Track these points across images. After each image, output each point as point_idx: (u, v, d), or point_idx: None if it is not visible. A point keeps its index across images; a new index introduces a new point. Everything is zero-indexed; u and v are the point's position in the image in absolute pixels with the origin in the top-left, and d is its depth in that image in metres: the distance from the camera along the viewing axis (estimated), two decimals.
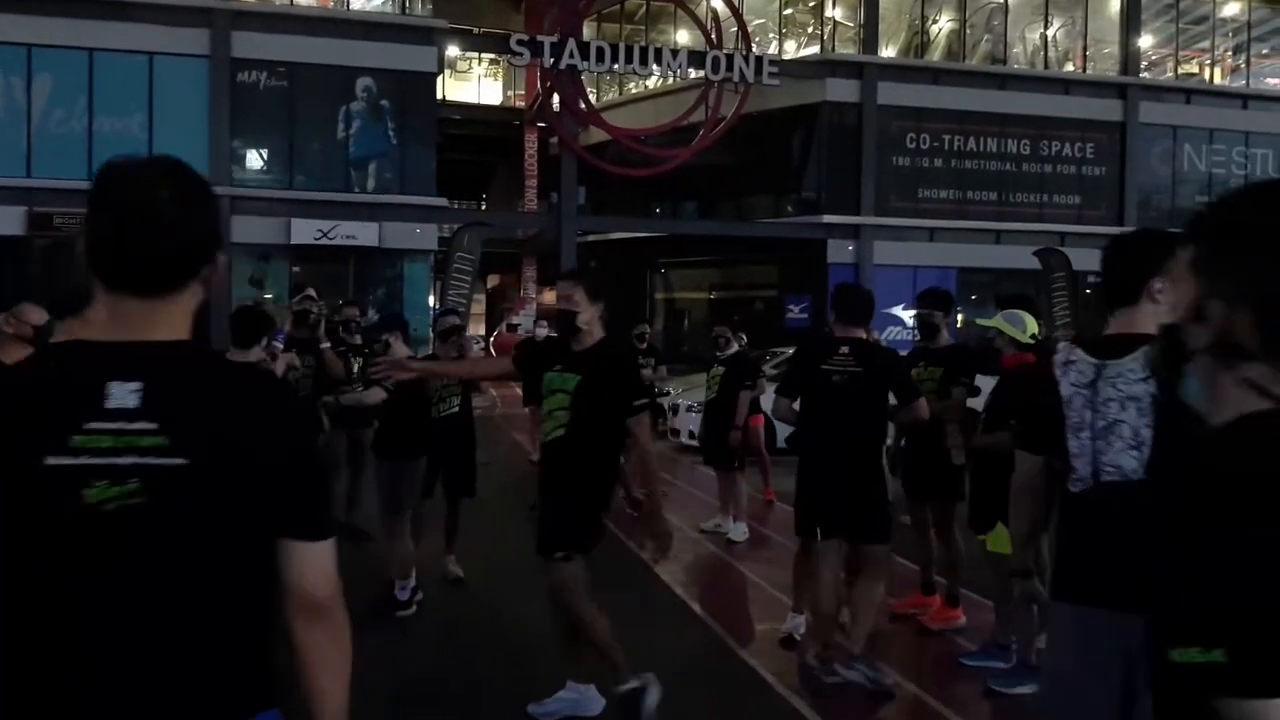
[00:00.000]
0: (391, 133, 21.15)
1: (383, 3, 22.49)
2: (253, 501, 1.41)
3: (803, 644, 5.00)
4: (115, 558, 1.35)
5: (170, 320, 1.45)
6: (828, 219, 22.89)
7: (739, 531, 7.76)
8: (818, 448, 4.63)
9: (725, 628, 5.64)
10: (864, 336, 4.71)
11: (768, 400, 9.89)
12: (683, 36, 25.79)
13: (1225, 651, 0.94)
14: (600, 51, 21.77)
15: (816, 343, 5.01)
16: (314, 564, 1.48)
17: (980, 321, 5.50)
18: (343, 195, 20.77)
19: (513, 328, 24.02)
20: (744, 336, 9.30)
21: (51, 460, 1.32)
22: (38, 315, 3.23)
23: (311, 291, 7.21)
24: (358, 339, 7.61)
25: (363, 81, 20.83)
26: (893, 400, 4.69)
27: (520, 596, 5.36)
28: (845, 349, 4.55)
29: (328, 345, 6.71)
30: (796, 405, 4.78)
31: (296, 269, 21.11)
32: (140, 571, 1.35)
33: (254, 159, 21.11)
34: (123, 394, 1.36)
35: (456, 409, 6.33)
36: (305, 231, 20.15)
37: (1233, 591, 0.95)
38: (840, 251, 22.91)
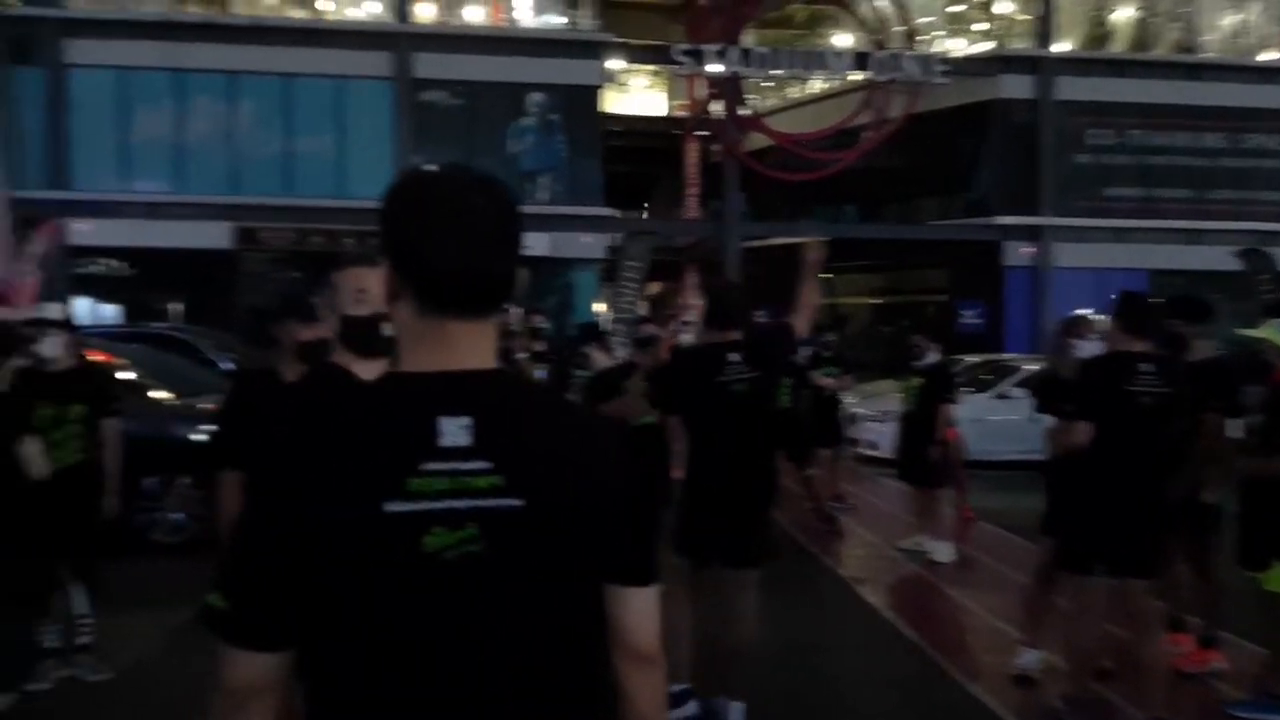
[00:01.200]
0: (561, 146, 21.73)
1: (550, 19, 23.11)
2: (587, 544, 1.29)
3: (1044, 682, 4.75)
4: (457, 608, 1.23)
5: (488, 345, 1.33)
6: (1002, 220, 22.05)
7: (944, 552, 7.54)
8: (1116, 477, 4.09)
9: (944, 656, 5.47)
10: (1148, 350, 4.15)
11: (965, 411, 9.71)
12: (846, 39, 25.39)
13: None
14: (763, 57, 21.72)
15: (1112, 360, 4.28)
16: (643, 610, 1.38)
17: (1246, 332, 4.95)
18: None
19: (675, 336, 24.12)
20: (941, 346, 9.03)
21: (391, 508, 1.21)
22: (309, 331, 3.47)
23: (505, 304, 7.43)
24: (542, 347, 7.79)
25: (533, 97, 21.48)
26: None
27: None
28: (1147, 367, 4.03)
29: (523, 355, 6.90)
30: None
31: None
32: (483, 623, 1.24)
33: None
34: (455, 431, 1.24)
35: (652, 420, 6.45)
36: None
37: None
38: (1017, 254, 22.04)
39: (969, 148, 23.79)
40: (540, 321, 7.52)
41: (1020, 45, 23.24)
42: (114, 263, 21.10)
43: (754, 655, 4.32)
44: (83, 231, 20.02)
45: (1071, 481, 4.37)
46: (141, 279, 21.06)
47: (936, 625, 6.18)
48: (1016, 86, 22.29)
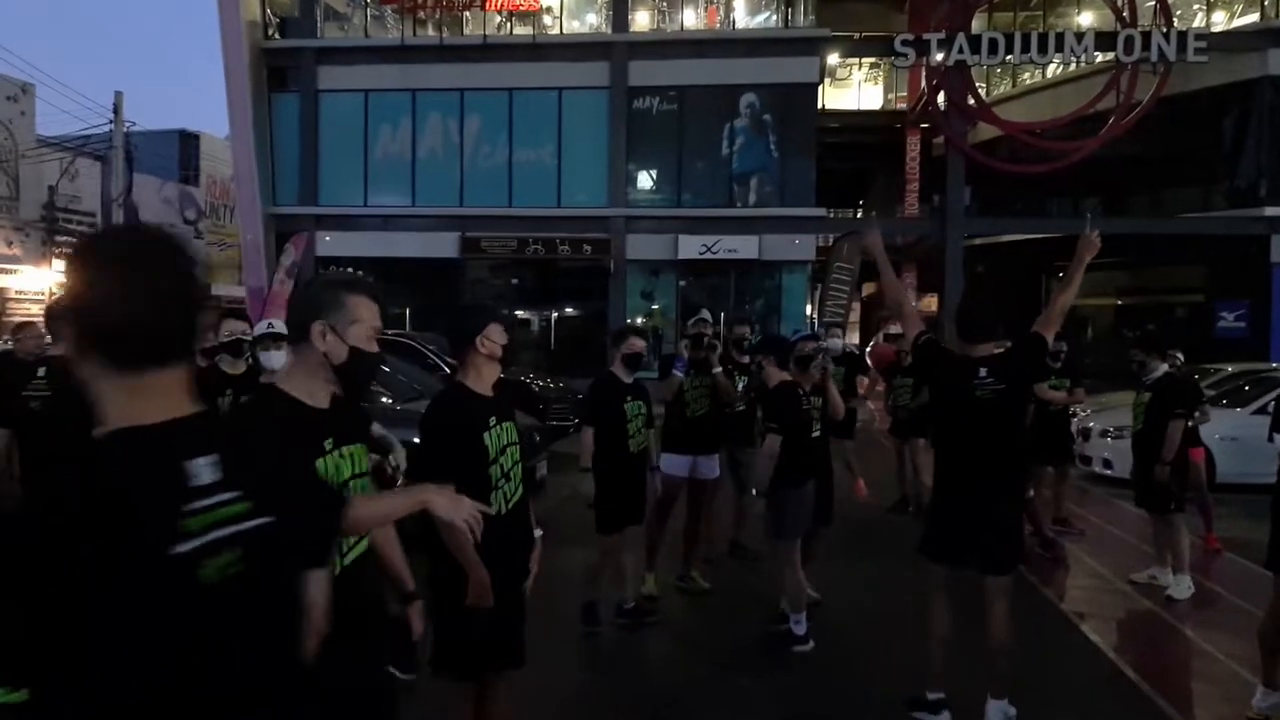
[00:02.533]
0: (773, 146, 21.41)
1: (765, 18, 22.84)
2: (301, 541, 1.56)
3: None
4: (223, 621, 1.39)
5: (182, 390, 1.46)
6: (1270, 212, 19.61)
7: (1182, 587, 6.69)
8: None
9: (1172, 703, 4.83)
10: None
11: (1209, 427, 8.61)
12: (1086, 18, 23.47)
13: None
14: (993, 43, 20.46)
15: None
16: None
17: None
18: (725, 210, 21.37)
19: (891, 338, 23.23)
20: (1179, 356, 8.02)
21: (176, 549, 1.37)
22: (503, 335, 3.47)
23: (706, 314, 7.30)
24: (745, 359, 7.56)
25: (746, 98, 21.30)
26: None
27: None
28: None
29: (719, 370, 6.74)
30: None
31: (683, 283, 22.08)
32: (243, 628, 1.41)
33: (645, 180, 22.38)
34: (204, 469, 1.39)
35: (818, 433, 6.15)
36: (691, 247, 21.00)
37: None
38: None
39: (1231, 132, 21.35)
40: (746, 333, 7.33)
41: None
42: (354, 271, 22.81)
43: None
44: (326, 243, 21.82)
45: None
46: (378, 286, 22.62)
47: (1166, 669, 5.46)
48: None
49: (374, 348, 2.44)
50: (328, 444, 2.35)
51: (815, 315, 21.87)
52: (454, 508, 2.26)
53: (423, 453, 3.40)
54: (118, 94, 25.58)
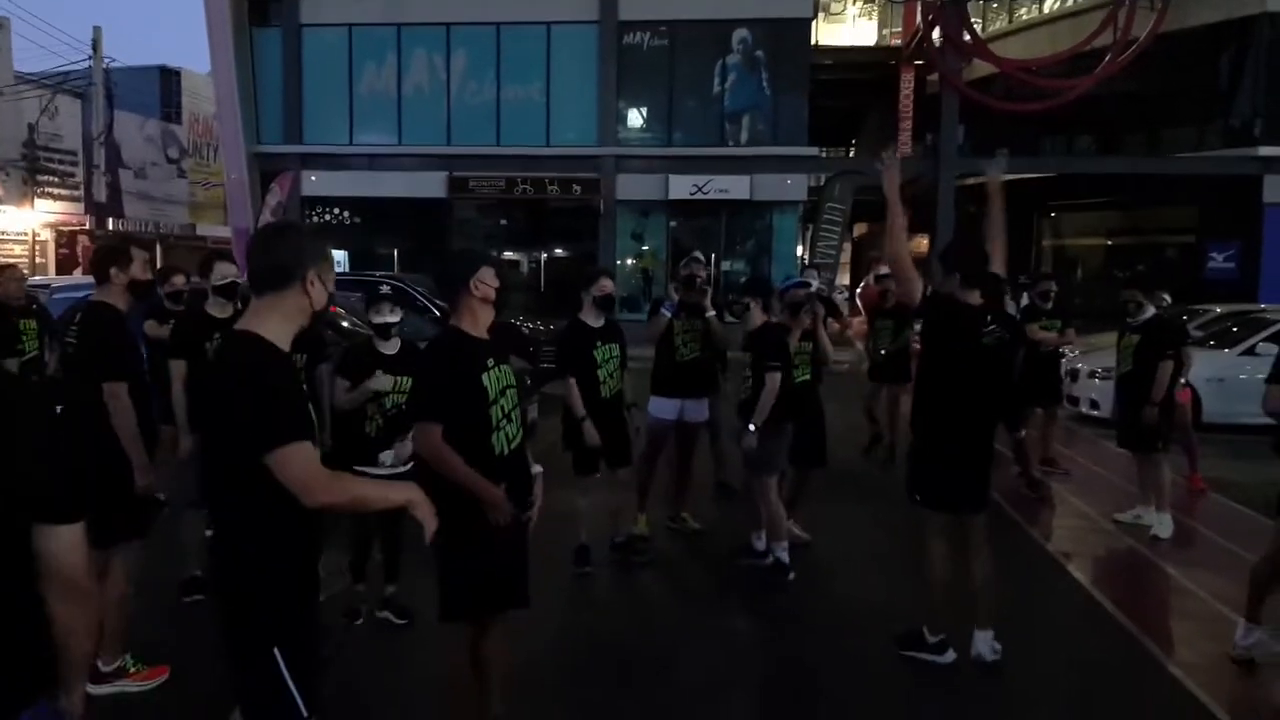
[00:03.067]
0: (765, 84, 21.10)
1: None
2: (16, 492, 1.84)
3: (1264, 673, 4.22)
4: None
5: None
6: (1265, 151, 19.49)
7: (1164, 525, 6.78)
8: None
9: (1155, 640, 4.92)
10: None
11: (1196, 368, 8.65)
12: None
13: None
14: None
15: None
16: (68, 545, 1.90)
17: None
18: (717, 149, 21.12)
19: (881, 279, 23.15)
20: (1166, 297, 7.99)
21: None
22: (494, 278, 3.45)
23: (699, 255, 7.21)
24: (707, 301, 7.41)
25: (739, 33, 20.92)
26: None
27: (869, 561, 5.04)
28: None
29: (713, 313, 6.66)
30: None
31: (673, 223, 21.91)
32: None
33: (636, 118, 22.06)
34: None
35: (808, 377, 6.23)
36: (681, 187, 20.79)
37: None
38: None
39: (1227, 70, 21.12)
40: (699, 271, 6.88)
41: None
42: (340, 211, 22.56)
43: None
44: (312, 182, 21.52)
45: None
46: (365, 227, 22.44)
47: (1149, 606, 5.55)
48: None
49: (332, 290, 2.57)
50: (304, 388, 2.46)
51: (806, 256, 21.78)
52: (428, 516, 2.53)
53: (423, 395, 3.42)
54: (96, 29, 25.05)
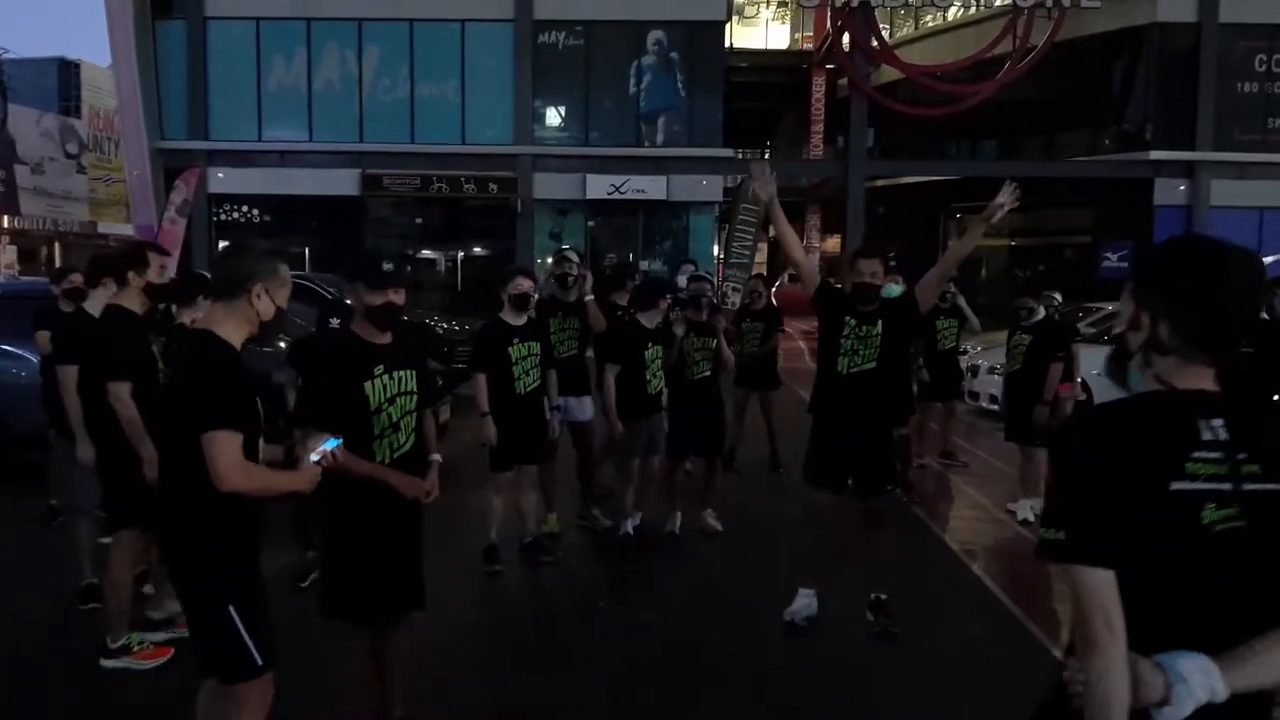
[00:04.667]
0: (681, 85, 21.32)
1: None
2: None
3: None
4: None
5: None
6: (1155, 155, 20.48)
7: (1026, 508, 7.16)
8: None
9: (1037, 622, 5.17)
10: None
11: (1088, 363, 9.05)
12: None
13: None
14: None
15: None
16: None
17: None
18: (633, 150, 21.26)
19: (794, 278, 23.59)
20: (1057, 296, 8.33)
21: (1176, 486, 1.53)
22: (376, 297, 3.48)
23: (570, 252, 6.97)
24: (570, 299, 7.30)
25: (654, 35, 21.09)
26: None
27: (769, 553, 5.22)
28: None
29: (591, 298, 6.67)
30: None
31: (591, 223, 21.98)
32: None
33: (553, 117, 22.06)
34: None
35: (708, 374, 6.52)
36: (599, 186, 20.88)
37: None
38: (1170, 192, 20.47)
39: (1121, 77, 22.12)
40: (569, 268, 6.72)
41: None
42: (249, 209, 22.04)
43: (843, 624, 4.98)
44: (219, 179, 20.98)
45: None
46: (275, 225, 21.97)
47: (1033, 591, 5.82)
48: (1175, 8, 20.50)
49: (286, 307, 2.95)
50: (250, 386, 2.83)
51: (722, 256, 22.07)
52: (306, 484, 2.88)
53: (304, 396, 3.43)
54: None
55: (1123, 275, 19.79)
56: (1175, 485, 1.51)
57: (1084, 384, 9.06)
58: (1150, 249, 1.81)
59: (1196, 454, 1.53)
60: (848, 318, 4.77)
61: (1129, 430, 1.55)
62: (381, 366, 3.35)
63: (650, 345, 6.22)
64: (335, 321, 4.76)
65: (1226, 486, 1.52)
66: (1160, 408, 1.59)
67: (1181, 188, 20.45)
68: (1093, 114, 22.60)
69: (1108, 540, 1.49)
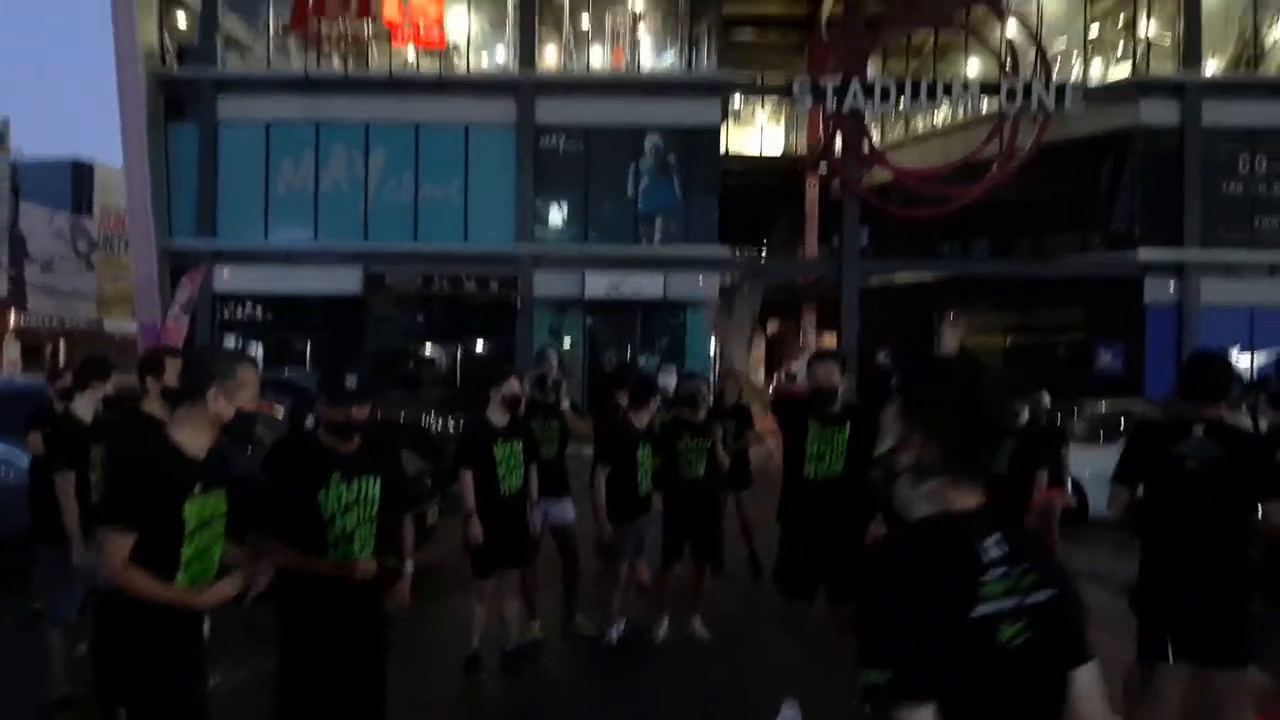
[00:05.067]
0: (677, 187, 21.83)
1: (670, 62, 23.33)
2: None
3: None
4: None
5: None
6: (1144, 255, 20.81)
7: None
8: (1169, 549, 3.91)
9: None
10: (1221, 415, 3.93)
11: (1082, 463, 9.02)
12: (974, 68, 24.65)
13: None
14: (885, 90, 21.27)
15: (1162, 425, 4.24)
16: None
17: None
18: (631, 249, 21.65)
19: (790, 377, 23.78)
20: (1046, 397, 8.32)
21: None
22: (339, 413, 3.50)
23: (550, 354, 7.06)
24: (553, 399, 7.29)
25: (651, 139, 21.69)
26: None
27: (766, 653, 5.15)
28: (1200, 430, 3.81)
29: (568, 404, 6.75)
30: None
31: (590, 320, 22.24)
32: None
33: (554, 218, 22.53)
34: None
35: (702, 474, 6.49)
36: (598, 285, 21.18)
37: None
38: (1160, 291, 20.73)
39: (1107, 178, 22.63)
40: (548, 369, 6.86)
41: (1162, 69, 22.00)
42: (253, 307, 22.33)
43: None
44: (224, 278, 21.33)
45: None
46: (278, 323, 22.24)
47: None
48: (1159, 112, 21.09)
49: (253, 407, 2.97)
50: (196, 489, 2.81)
51: (719, 354, 22.31)
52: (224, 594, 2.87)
53: (259, 501, 3.43)
54: (3, 121, 24.73)
55: (1118, 374, 20.03)
56: (974, 612, 1.54)
57: (1075, 485, 9.07)
58: (911, 370, 1.89)
59: (985, 576, 1.57)
60: (810, 420, 4.83)
61: (923, 566, 1.58)
62: (339, 474, 3.35)
63: (642, 445, 6.24)
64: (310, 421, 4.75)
65: (1015, 601, 1.57)
66: (944, 534, 1.63)
67: (1172, 287, 20.72)
68: (1081, 214, 23.05)
69: (929, 675, 1.52)
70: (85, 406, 5.10)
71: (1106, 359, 20.96)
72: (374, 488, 3.44)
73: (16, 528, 6.13)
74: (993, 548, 1.60)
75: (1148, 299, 20.71)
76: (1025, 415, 7.43)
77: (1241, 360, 18.74)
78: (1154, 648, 3.91)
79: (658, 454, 6.37)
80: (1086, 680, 1.68)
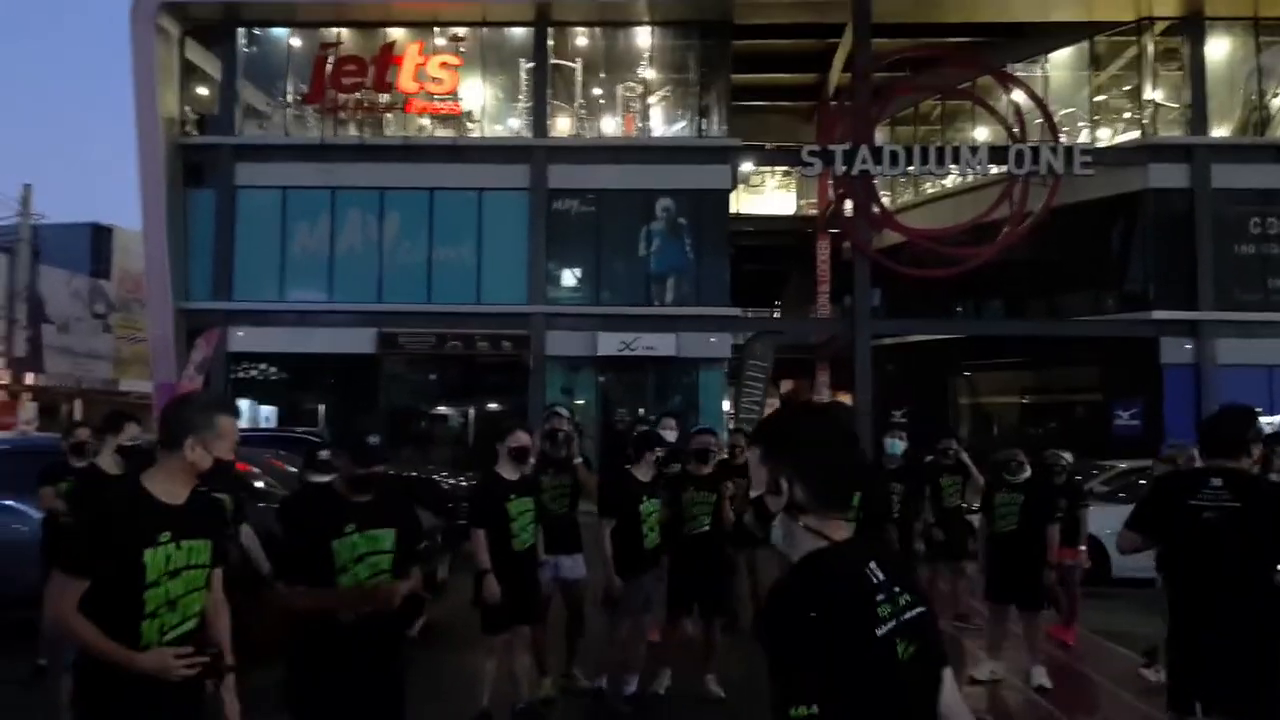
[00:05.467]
0: (688, 247, 22.01)
1: (680, 127, 23.69)
2: None
3: None
4: None
5: None
6: (1158, 315, 20.76)
7: (1041, 674, 6.92)
8: (1190, 601, 3.88)
9: None
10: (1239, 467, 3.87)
11: (1101, 522, 8.87)
12: (981, 133, 24.95)
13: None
14: (894, 155, 21.52)
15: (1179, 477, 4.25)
16: None
17: None
18: (643, 309, 21.76)
19: None
20: (1066, 456, 8.23)
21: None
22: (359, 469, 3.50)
23: (561, 409, 7.07)
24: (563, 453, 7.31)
25: (662, 202, 21.94)
26: None
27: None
28: (1218, 481, 3.80)
29: (580, 460, 6.72)
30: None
31: (602, 379, 22.25)
32: None
33: (566, 278, 22.70)
34: None
35: (707, 529, 6.38)
36: (610, 344, 21.24)
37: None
38: (1176, 351, 20.63)
39: (1119, 240, 22.71)
40: (559, 424, 6.84)
41: (1169, 133, 22.22)
42: (267, 367, 22.47)
43: None
44: (239, 338, 21.49)
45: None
46: (292, 382, 22.34)
47: None
48: (1168, 175, 21.24)
49: (232, 457, 2.93)
50: (163, 537, 2.72)
51: (733, 412, 22.21)
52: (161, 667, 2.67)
53: (279, 550, 3.40)
54: (26, 187, 25.22)
55: (1136, 433, 19.85)
56: (878, 631, 1.67)
57: (1094, 543, 8.92)
58: (771, 419, 2.04)
59: (878, 597, 1.70)
60: None
61: (826, 594, 1.68)
62: (353, 525, 3.34)
63: (645, 499, 6.18)
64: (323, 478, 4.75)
65: (899, 619, 1.71)
66: (835, 564, 1.74)
67: (1188, 346, 20.63)
68: (1095, 275, 23.09)
69: (850, 698, 1.62)
70: (109, 459, 5.12)
71: (1124, 418, 20.78)
72: (388, 540, 3.43)
73: (26, 585, 6.09)
74: (877, 571, 1.73)
75: (1164, 359, 20.61)
76: (1027, 469, 7.32)
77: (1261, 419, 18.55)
78: (1182, 701, 3.82)
79: (665, 508, 6.32)
80: (948, 677, 1.86)
